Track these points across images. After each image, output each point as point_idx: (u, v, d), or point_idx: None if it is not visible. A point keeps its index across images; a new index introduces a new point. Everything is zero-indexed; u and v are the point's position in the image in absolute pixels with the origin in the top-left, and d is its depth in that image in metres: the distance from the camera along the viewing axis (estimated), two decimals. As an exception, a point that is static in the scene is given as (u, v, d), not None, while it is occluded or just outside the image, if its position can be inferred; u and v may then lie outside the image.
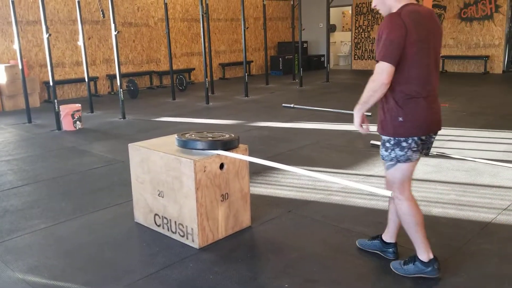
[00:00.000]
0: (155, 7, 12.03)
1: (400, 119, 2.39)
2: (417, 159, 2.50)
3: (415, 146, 2.43)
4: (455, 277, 2.57)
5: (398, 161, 2.46)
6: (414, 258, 2.57)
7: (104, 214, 3.67)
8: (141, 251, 3.08)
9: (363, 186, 2.57)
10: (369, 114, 7.07)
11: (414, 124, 2.39)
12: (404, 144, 2.42)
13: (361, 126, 2.52)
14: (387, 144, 2.47)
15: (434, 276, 2.52)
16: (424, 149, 2.54)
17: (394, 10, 2.36)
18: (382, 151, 2.51)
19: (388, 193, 2.41)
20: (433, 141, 2.57)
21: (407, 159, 2.44)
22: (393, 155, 2.45)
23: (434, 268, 2.51)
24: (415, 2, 2.43)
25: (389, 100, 2.42)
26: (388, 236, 2.80)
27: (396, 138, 2.42)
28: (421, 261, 2.53)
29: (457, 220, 3.32)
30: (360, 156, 5.02)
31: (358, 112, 2.48)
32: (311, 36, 15.78)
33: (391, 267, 2.66)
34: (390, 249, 2.78)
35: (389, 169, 2.52)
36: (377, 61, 2.32)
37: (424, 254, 2.53)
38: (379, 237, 2.85)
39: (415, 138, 2.42)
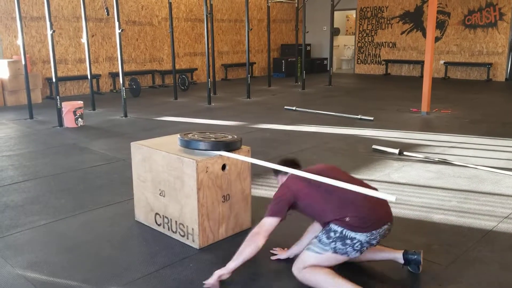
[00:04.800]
0: (159, 6, 12.05)
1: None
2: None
3: None
4: (455, 284, 2.56)
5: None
6: None
7: (105, 212, 3.67)
8: (141, 250, 3.08)
9: (363, 190, 2.49)
10: (371, 118, 7.16)
11: None
12: None
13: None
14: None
15: None
16: None
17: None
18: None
19: (392, 197, 2.26)
20: None
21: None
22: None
23: None
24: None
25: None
26: None
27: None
28: None
29: (458, 227, 3.31)
30: (361, 160, 5.01)
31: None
32: (315, 39, 15.80)
33: None
34: None
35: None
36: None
37: None
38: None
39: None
